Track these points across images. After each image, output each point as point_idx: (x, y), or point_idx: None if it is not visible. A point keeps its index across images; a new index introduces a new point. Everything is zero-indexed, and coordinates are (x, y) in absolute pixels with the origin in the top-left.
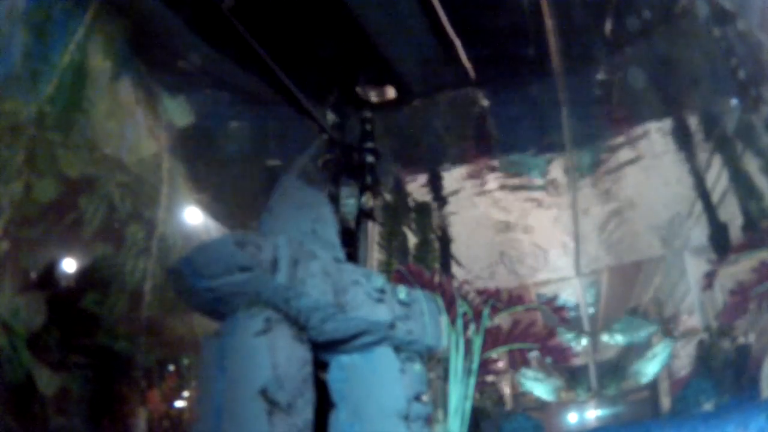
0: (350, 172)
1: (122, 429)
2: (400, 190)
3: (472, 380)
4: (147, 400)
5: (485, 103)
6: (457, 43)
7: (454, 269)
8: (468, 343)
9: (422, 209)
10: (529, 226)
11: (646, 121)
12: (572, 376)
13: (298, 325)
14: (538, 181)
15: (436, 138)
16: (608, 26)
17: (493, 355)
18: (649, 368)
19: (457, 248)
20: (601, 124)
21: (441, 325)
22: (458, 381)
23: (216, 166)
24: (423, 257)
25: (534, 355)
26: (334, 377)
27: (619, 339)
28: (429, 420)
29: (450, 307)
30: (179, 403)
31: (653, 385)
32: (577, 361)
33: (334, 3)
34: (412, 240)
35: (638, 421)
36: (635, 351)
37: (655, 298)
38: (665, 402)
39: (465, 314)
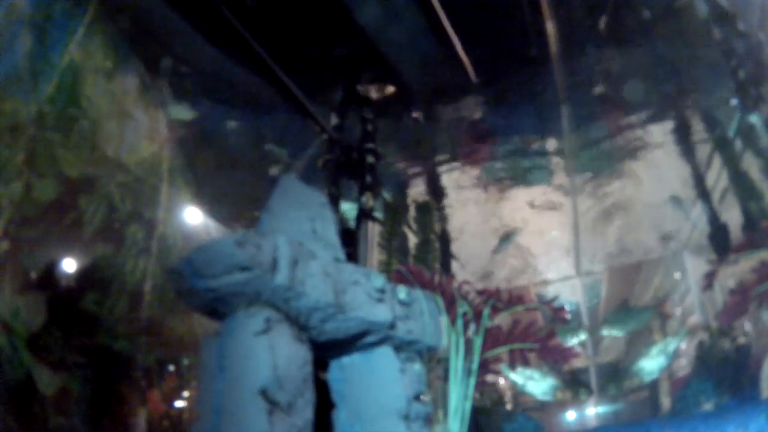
0: (350, 172)
1: (122, 429)
2: (400, 190)
3: (472, 380)
4: (147, 400)
5: (485, 102)
6: (457, 43)
7: (455, 269)
8: (468, 343)
9: (423, 209)
10: (529, 226)
11: (647, 121)
12: (573, 379)
13: (298, 325)
14: (538, 181)
15: (437, 138)
16: (608, 26)
17: (500, 352)
18: (653, 365)
19: (457, 248)
20: (601, 124)
21: (441, 325)
22: (458, 381)
23: (216, 166)
24: (423, 257)
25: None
26: (334, 377)
27: (617, 330)
28: (429, 420)
29: (450, 307)
30: (179, 403)
31: (653, 385)
32: (577, 363)
33: (334, 4)
34: (413, 240)
35: (638, 421)
36: (637, 350)
37: (655, 298)
38: (665, 402)
39: (465, 314)
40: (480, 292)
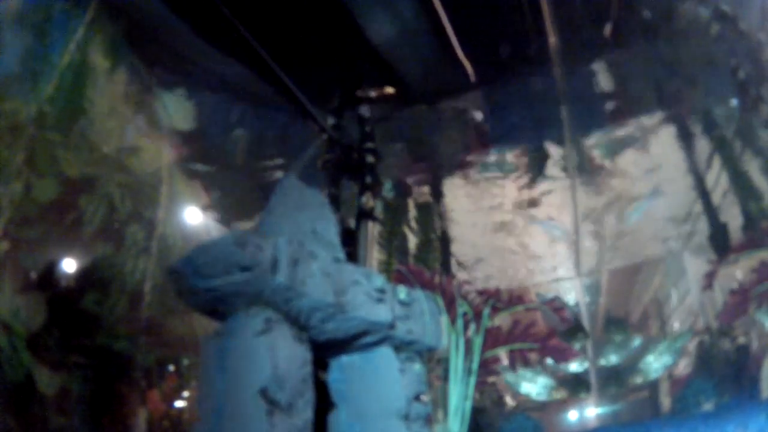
0: (350, 172)
1: (122, 429)
2: (400, 190)
3: (472, 380)
4: (147, 400)
5: (485, 102)
6: (457, 44)
7: (455, 269)
8: (468, 343)
9: (424, 209)
10: (528, 227)
11: (647, 121)
12: (571, 378)
13: (298, 325)
14: (538, 180)
15: (437, 138)
16: (608, 26)
17: (500, 352)
18: (658, 363)
19: (457, 248)
20: (601, 124)
21: (441, 325)
22: (458, 381)
23: (216, 166)
24: (424, 257)
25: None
26: (334, 377)
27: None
28: (429, 420)
29: (450, 307)
30: (179, 403)
31: (653, 385)
32: (577, 368)
33: (335, 4)
34: (413, 240)
35: (638, 421)
36: (640, 348)
37: (654, 298)
38: (665, 402)
39: (465, 314)
40: (480, 292)
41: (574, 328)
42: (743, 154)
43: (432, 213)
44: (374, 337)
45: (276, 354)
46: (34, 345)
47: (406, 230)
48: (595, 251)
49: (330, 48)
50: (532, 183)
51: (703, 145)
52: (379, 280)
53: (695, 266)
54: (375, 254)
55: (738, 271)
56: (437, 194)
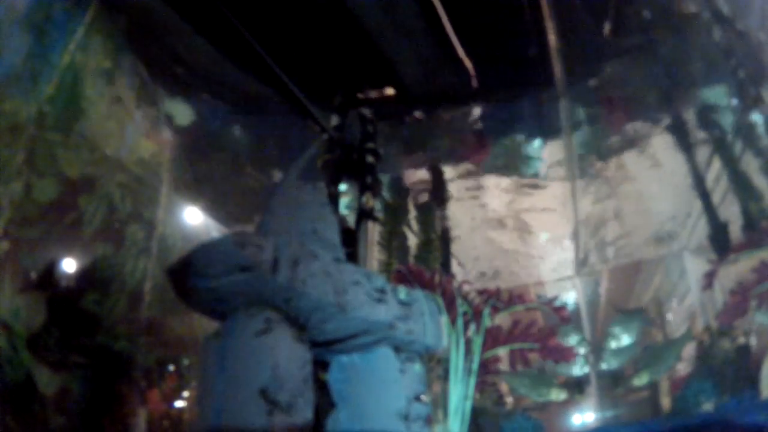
0: (350, 172)
1: (122, 429)
2: (400, 190)
3: (472, 380)
4: (147, 400)
5: (485, 103)
6: (458, 44)
7: (455, 269)
8: (468, 343)
9: (425, 209)
10: (528, 226)
11: (646, 121)
12: (574, 386)
13: (298, 325)
14: (538, 180)
15: (437, 137)
16: (609, 27)
17: (500, 352)
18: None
19: (457, 248)
20: (601, 124)
21: (441, 325)
22: (458, 381)
23: (216, 166)
24: (424, 257)
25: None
26: (334, 377)
27: (621, 340)
28: (429, 420)
29: (450, 307)
30: (179, 403)
31: (653, 385)
32: (577, 371)
33: (335, 5)
34: (413, 240)
35: (638, 421)
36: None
37: (655, 298)
38: (665, 402)
39: (465, 314)
40: (480, 292)
41: (573, 328)
42: (743, 154)
43: (432, 213)
44: (374, 337)
45: (276, 354)
46: (34, 345)
47: (406, 230)
48: (595, 251)
49: (330, 48)
50: (531, 183)
51: (703, 145)
52: (379, 280)
53: (695, 266)
54: (375, 254)
55: (738, 271)
56: (437, 194)
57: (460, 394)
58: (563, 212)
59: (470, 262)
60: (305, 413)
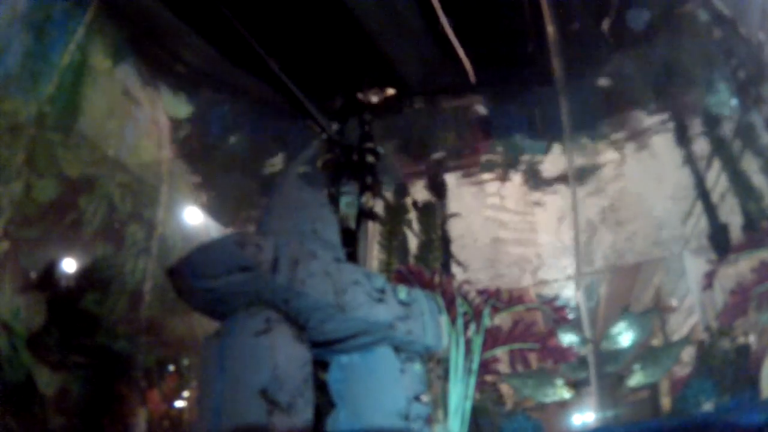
0: (350, 172)
1: (122, 429)
2: (400, 190)
3: (472, 380)
4: (147, 400)
5: (485, 102)
6: (457, 44)
7: (455, 269)
8: (468, 343)
9: (426, 209)
10: (528, 226)
11: (646, 121)
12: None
13: (298, 325)
14: (538, 181)
15: (437, 137)
16: (608, 27)
17: (498, 353)
18: (655, 368)
19: (456, 248)
20: (601, 124)
21: (441, 325)
22: (458, 381)
23: (216, 166)
24: (424, 257)
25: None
26: (333, 377)
27: (621, 341)
28: (429, 420)
29: (450, 307)
30: (179, 403)
31: (653, 385)
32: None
33: (335, 5)
34: (413, 240)
35: (638, 421)
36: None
37: (655, 298)
38: (665, 402)
39: (465, 314)
40: (480, 292)
41: (573, 328)
42: (743, 154)
43: (432, 212)
44: (374, 337)
45: (276, 354)
46: (34, 345)
47: (407, 230)
48: (595, 251)
49: (329, 48)
50: (531, 182)
51: (702, 145)
52: (379, 280)
53: (695, 266)
54: (375, 254)
55: (738, 271)
56: (437, 193)
57: (460, 394)
58: (563, 212)
59: (470, 261)
60: (305, 413)
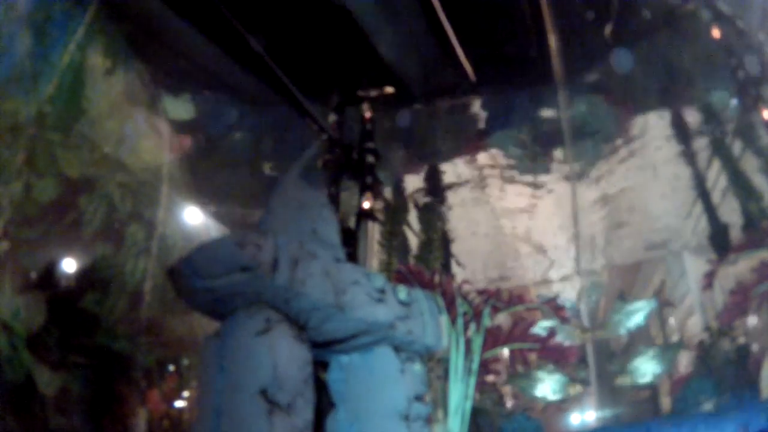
0: (350, 172)
1: (122, 429)
2: (400, 190)
3: (472, 380)
4: (147, 400)
5: (485, 102)
6: (457, 44)
7: (455, 269)
8: (468, 343)
9: (427, 209)
10: (528, 226)
11: (647, 121)
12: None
13: (298, 325)
14: (539, 181)
15: (436, 138)
16: (609, 27)
17: (499, 352)
18: (647, 368)
19: (457, 248)
20: (601, 124)
21: (441, 325)
22: (458, 381)
23: (216, 165)
24: (425, 257)
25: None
26: (333, 377)
27: (617, 328)
28: (429, 420)
29: (450, 307)
30: (179, 403)
31: (653, 385)
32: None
33: (335, 5)
34: (413, 240)
35: (638, 421)
36: (635, 347)
37: (654, 296)
38: (665, 402)
39: (465, 314)
40: (480, 292)
41: (573, 327)
42: (743, 154)
43: (432, 212)
44: (374, 337)
45: (276, 354)
46: (34, 345)
47: (406, 230)
48: (595, 251)
49: (329, 48)
50: (532, 182)
51: (703, 145)
52: (379, 280)
53: (695, 266)
54: (375, 254)
55: (738, 271)
56: (437, 193)
57: (460, 394)
58: (563, 211)
59: (470, 261)
60: (305, 413)
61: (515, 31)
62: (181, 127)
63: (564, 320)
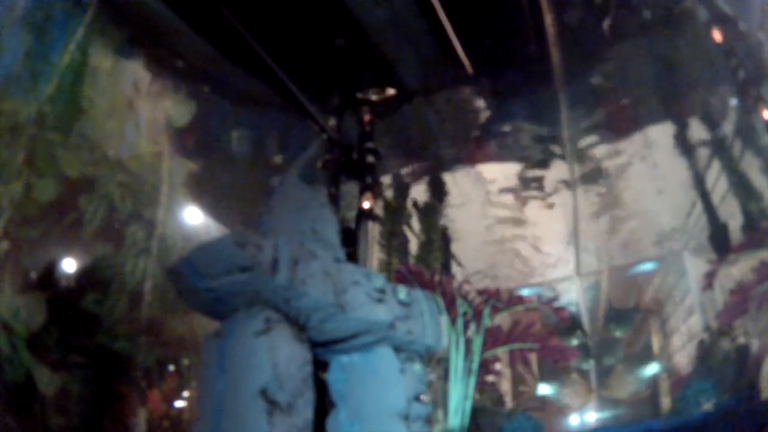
0: (350, 172)
1: (122, 429)
2: (400, 190)
3: (472, 380)
4: (147, 400)
5: (484, 102)
6: (457, 43)
7: (455, 269)
8: (468, 343)
9: (426, 209)
10: (528, 226)
11: (646, 120)
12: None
13: (298, 325)
14: (539, 181)
15: (436, 137)
16: (608, 26)
17: (498, 352)
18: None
19: (456, 247)
20: (600, 123)
21: (441, 325)
22: (458, 381)
23: (216, 166)
24: (425, 257)
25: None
26: (333, 377)
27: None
28: (429, 420)
29: (450, 307)
30: (179, 403)
31: (653, 385)
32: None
33: (334, 4)
34: (413, 240)
35: (638, 421)
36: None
37: (655, 298)
38: (665, 402)
39: (465, 314)
40: (480, 292)
41: (573, 328)
42: (743, 154)
43: (432, 212)
44: (374, 337)
45: (276, 354)
46: (34, 345)
47: (407, 230)
48: (595, 251)
49: (329, 48)
50: (532, 182)
51: (703, 145)
52: (379, 280)
53: (695, 266)
54: (375, 254)
55: (738, 271)
56: (437, 193)
57: (460, 394)
58: (563, 212)
59: (470, 261)
60: (305, 413)
61: (515, 30)
62: (181, 127)
63: (564, 321)
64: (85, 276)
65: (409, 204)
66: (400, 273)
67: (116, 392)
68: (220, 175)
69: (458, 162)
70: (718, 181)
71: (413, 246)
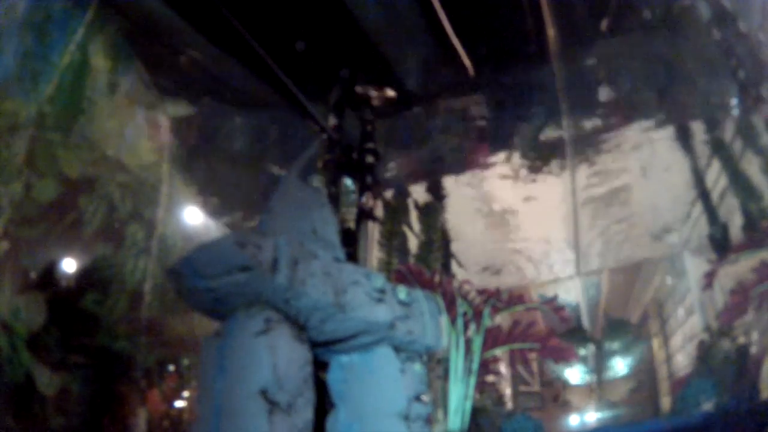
0: (350, 172)
1: (122, 429)
2: (400, 190)
3: (472, 380)
4: (147, 400)
5: (485, 102)
6: (457, 42)
7: (455, 269)
8: (468, 343)
9: (426, 209)
10: (528, 226)
11: (646, 120)
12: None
13: (298, 325)
14: (538, 180)
15: (436, 138)
16: (608, 25)
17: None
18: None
19: (456, 247)
20: (600, 123)
21: (441, 325)
22: (458, 381)
23: (216, 165)
24: (425, 257)
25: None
26: (333, 377)
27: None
28: (429, 420)
29: (450, 307)
30: (179, 403)
31: (653, 385)
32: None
33: (334, 4)
34: (413, 240)
35: (638, 421)
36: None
37: (655, 298)
38: (665, 402)
39: (465, 314)
40: (480, 292)
41: (574, 328)
42: (743, 154)
43: (432, 212)
44: (374, 337)
45: (276, 354)
46: (34, 345)
47: (406, 230)
48: (594, 251)
49: (329, 47)
50: (532, 182)
51: (703, 145)
52: (379, 280)
53: (695, 266)
54: (375, 253)
55: (738, 271)
56: (437, 193)
57: (460, 394)
58: (563, 211)
59: (470, 261)
60: (305, 413)
61: (515, 30)
62: (181, 127)
63: (564, 320)
64: (85, 276)
65: (409, 204)
66: (400, 273)
67: (116, 392)
68: (220, 175)
69: (458, 162)
70: (718, 181)
71: (413, 246)
